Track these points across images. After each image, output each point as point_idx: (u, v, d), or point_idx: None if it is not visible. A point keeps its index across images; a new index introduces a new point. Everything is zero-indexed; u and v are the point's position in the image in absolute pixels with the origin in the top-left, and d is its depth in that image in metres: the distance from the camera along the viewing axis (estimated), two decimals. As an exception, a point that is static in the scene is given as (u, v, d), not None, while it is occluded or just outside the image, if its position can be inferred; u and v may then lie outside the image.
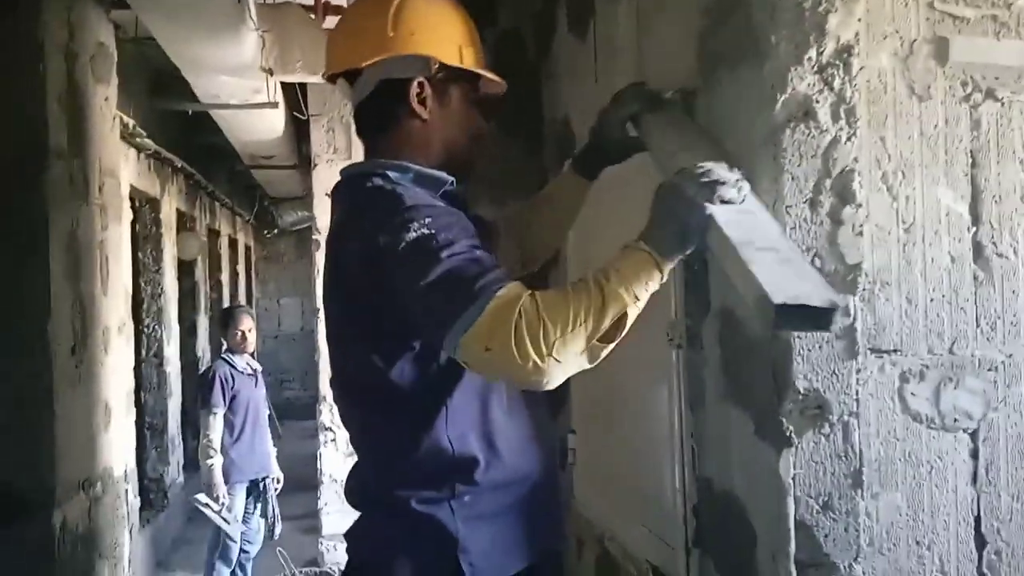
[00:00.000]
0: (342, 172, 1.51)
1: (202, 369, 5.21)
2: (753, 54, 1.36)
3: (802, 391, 1.29)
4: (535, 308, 1.19)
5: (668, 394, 1.67)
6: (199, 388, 5.15)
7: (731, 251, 1.19)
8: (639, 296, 1.23)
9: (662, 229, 1.26)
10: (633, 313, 1.24)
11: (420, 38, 1.42)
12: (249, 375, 5.03)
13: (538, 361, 1.19)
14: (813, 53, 1.30)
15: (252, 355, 5.19)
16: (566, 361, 1.21)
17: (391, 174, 1.40)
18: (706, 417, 1.56)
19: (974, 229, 1.39)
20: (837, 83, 1.31)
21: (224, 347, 5.11)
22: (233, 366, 4.93)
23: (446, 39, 1.44)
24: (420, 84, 1.42)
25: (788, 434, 1.28)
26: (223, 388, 4.81)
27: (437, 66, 1.42)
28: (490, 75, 1.50)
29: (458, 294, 1.22)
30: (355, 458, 1.51)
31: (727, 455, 1.47)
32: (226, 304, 10.05)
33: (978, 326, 1.39)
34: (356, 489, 1.49)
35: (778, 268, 1.17)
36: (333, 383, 1.53)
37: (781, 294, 1.11)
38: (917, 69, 1.38)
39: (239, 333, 4.97)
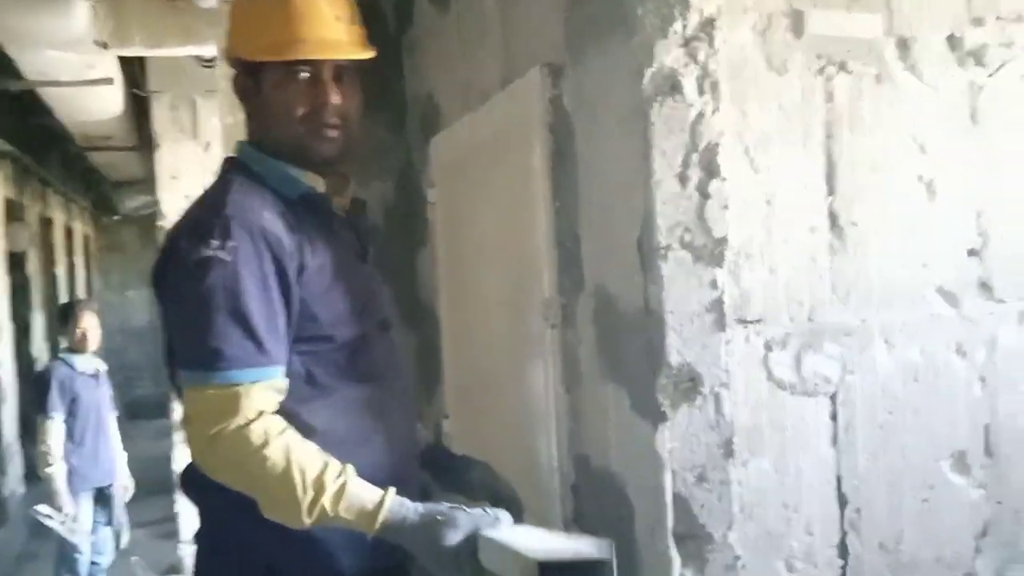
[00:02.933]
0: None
1: (38, 371, 4.81)
2: (620, 28, 1.35)
3: (675, 365, 1.29)
4: (257, 440, 1.22)
5: (543, 373, 1.65)
6: (35, 392, 4.78)
7: (489, 542, 1.20)
8: (325, 518, 1.24)
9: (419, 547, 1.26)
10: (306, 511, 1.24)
11: (230, 34, 1.47)
12: (91, 376, 4.70)
13: (210, 469, 1.26)
14: (679, 27, 1.30)
15: (95, 354, 4.83)
16: (226, 477, 1.26)
17: (252, 165, 1.43)
18: (582, 395, 1.55)
19: (830, 199, 1.44)
20: (702, 56, 1.31)
21: (64, 346, 4.75)
22: (72, 367, 4.58)
23: (238, 31, 1.46)
24: (232, 76, 1.46)
25: (663, 408, 1.29)
26: (61, 391, 4.47)
27: (233, 57, 1.45)
28: (279, 56, 1.40)
29: (202, 351, 1.25)
30: None
31: (604, 432, 1.47)
32: (64, 299, 9.39)
33: (834, 293, 1.44)
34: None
35: (541, 539, 1.21)
36: None
37: (543, 554, 1.12)
38: (775, 42, 1.40)
39: (79, 331, 4.62)
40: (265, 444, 1.21)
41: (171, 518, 6.08)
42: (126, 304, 13.20)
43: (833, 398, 1.43)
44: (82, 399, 4.58)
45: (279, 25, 1.40)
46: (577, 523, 1.60)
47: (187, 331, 1.29)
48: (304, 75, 1.39)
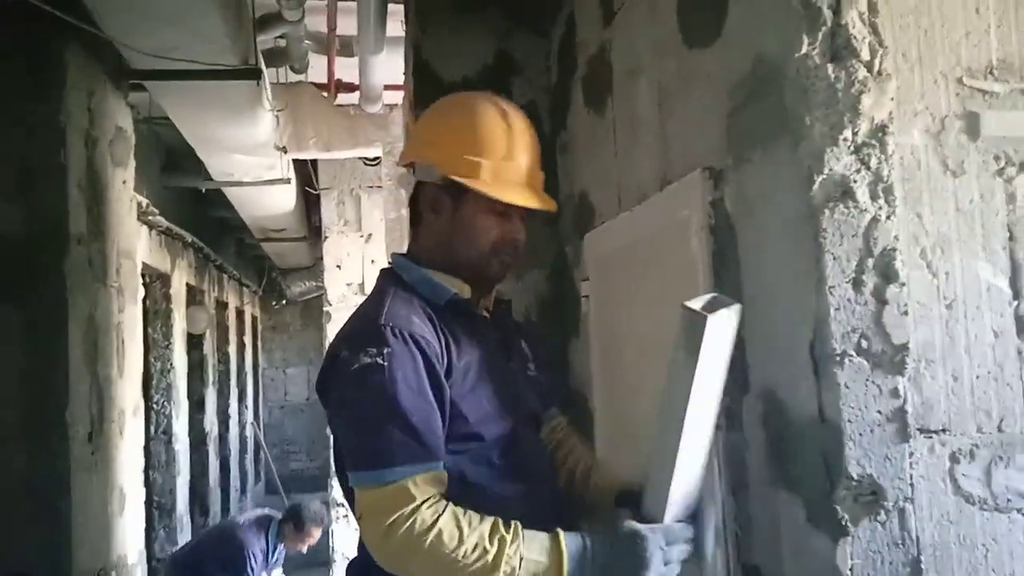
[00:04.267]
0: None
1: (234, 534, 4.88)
2: (787, 134, 1.36)
3: (855, 477, 1.25)
4: (425, 524, 1.28)
5: (709, 478, 1.62)
6: (220, 548, 4.76)
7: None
8: (517, 569, 1.28)
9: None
10: None
11: (430, 147, 1.51)
12: (270, 560, 4.82)
13: (390, 559, 1.31)
14: (848, 133, 1.30)
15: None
16: (411, 568, 1.31)
17: (403, 276, 1.51)
18: (750, 502, 1.52)
19: (1015, 303, 1.37)
20: (874, 162, 1.31)
21: (275, 529, 4.81)
22: (267, 552, 4.71)
23: (458, 151, 1.48)
24: (433, 190, 1.50)
25: (843, 522, 1.24)
26: (251, 565, 4.59)
27: (443, 177, 1.48)
28: (503, 194, 1.48)
29: (368, 454, 1.33)
30: None
31: (776, 542, 1.43)
32: (235, 378, 10.00)
33: (1025, 402, 1.36)
34: None
35: None
36: None
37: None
38: (949, 145, 1.37)
39: (301, 543, 4.79)
40: (436, 519, 1.27)
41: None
42: (286, 381, 13.93)
43: (1028, 515, 1.33)
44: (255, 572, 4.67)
45: (500, 162, 1.49)
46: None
47: (353, 435, 1.37)
48: (503, 211, 1.50)
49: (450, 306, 1.48)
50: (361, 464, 1.34)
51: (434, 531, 1.26)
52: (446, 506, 1.30)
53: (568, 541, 1.30)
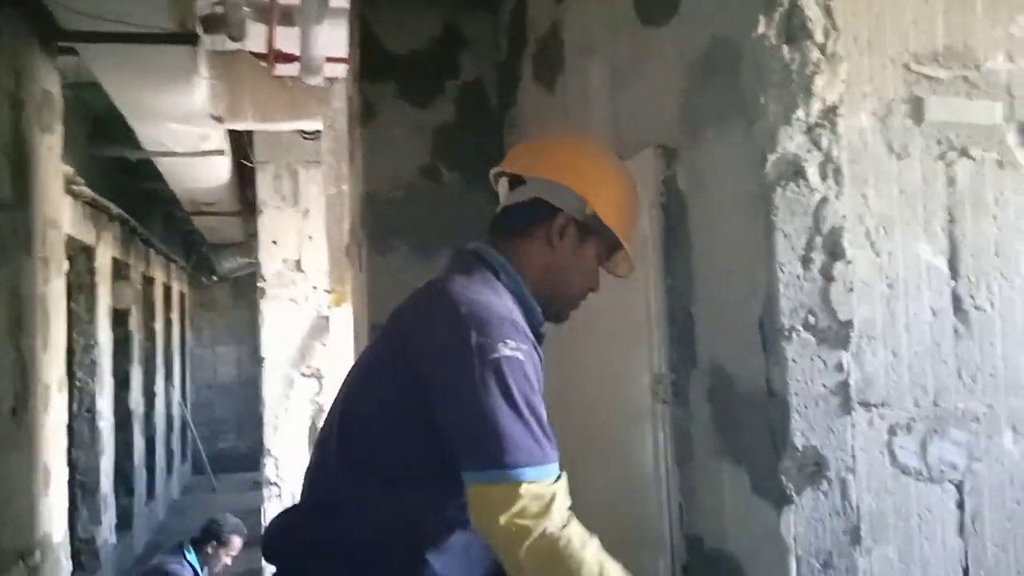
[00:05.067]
0: (469, 244, 1.53)
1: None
2: (741, 113, 1.38)
3: (800, 448, 1.29)
4: (575, 544, 1.24)
5: (653, 449, 1.65)
6: None
7: None
8: None
9: None
10: None
11: (589, 184, 1.48)
12: None
13: (523, 565, 1.24)
14: (801, 113, 1.33)
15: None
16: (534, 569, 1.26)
17: (503, 277, 1.45)
18: (695, 473, 1.55)
19: (953, 283, 1.42)
20: (825, 143, 1.34)
21: (190, 550, 4.76)
22: (193, 572, 4.66)
23: (611, 200, 1.49)
24: (567, 218, 1.47)
25: (788, 492, 1.28)
26: None
27: (591, 213, 1.46)
28: (631, 251, 1.53)
29: (508, 448, 1.25)
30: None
31: (719, 512, 1.46)
32: (161, 357, 9.76)
33: (960, 378, 1.41)
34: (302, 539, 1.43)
35: None
36: (329, 427, 1.48)
37: None
38: (895, 128, 1.41)
39: (226, 557, 4.73)
40: (583, 547, 1.25)
41: (256, 571, 6.16)
42: (215, 360, 13.62)
43: (959, 486, 1.39)
44: None
45: (632, 216, 1.53)
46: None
47: (489, 425, 1.26)
48: (601, 265, 1.52)
49: (531, 331, 1.42)
50: (501, 458, 1.24)
51: (579, 556, 1.24)
52: (589, 535, 1.28)
53: None
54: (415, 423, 1.33)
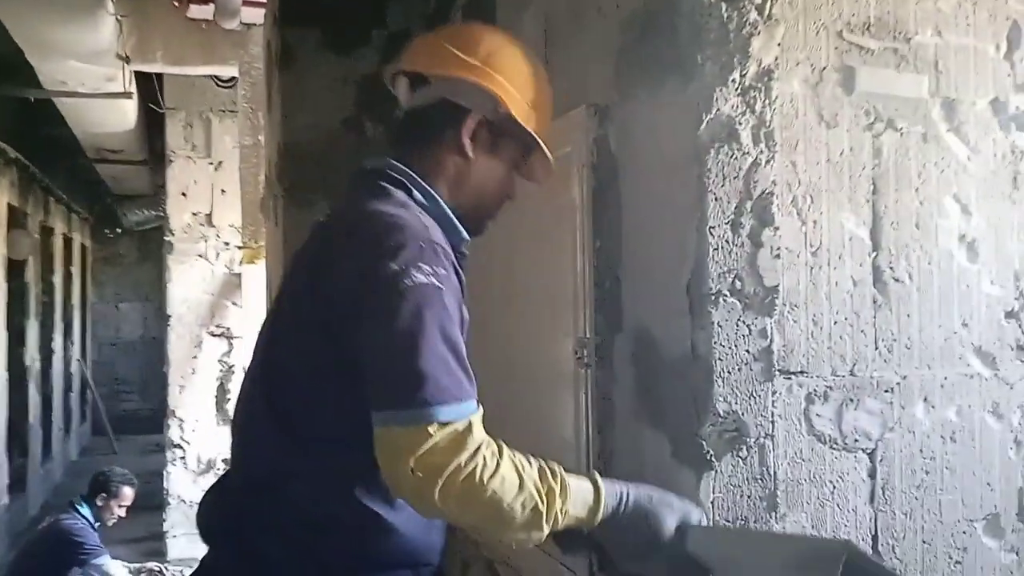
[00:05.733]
0: (365, 162, 1.39)
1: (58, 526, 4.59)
2: (676, 72, 1.35)
3: (721, 413, 1.28)
4: (489, 468, 1.13)
5: (574, 413, 1.63)
6: (59, 549, 4.48)
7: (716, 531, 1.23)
8: (558, 523, 1.20)
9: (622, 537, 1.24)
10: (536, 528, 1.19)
11: (501, 81, 1.35)
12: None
13: (446, 510, 1.14)
14: (737, 75, 1.31)
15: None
16: (458, 523, 1.19)
17: (416, 195, 1.32)
18: (615, 437, 1.54)
19: (874, 254, 1.44)
20: (759, 106, 1.32)
21: (85, 507, 4.58)
22: (94, 527, 4.49)
23: (524, 96, 1.37)
24: (480, 122, 1.35)
25: (708, 457, 1.27)
26: (95, 549, 4.36)
27: (504, 112, 1.34)
28: (548, 154, 1.41)
29: (421, 387, 1.13)
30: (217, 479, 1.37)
31: (640, 477, 1.45)
32: (59, 310, 9.33)
33: (876, 348, 1.43)
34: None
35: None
36: (250, 389, 1.37)
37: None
38: (825, 96, 1.41)
39: (118, 513, 4.54)
40: (498, 465, 1.14)
41: (157, 536, 6.00)
42: (119, 317, 13.11)
43: (872, 455, 1.42)
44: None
45: (548, 113, 1.42)
46: (603, 570, 1.57)
47: (403, 361, 1.14)
48: (517, 171, 1.40)
49: (454, 253, 1.31)
50: (410, 400, 1.12)
51: (496, 479, 1.13)
52: (502, 448, 1.17)
53: (608, 500, 1.22)
54: (342, 376, 1.20)
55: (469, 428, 1.14)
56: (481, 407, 1.19)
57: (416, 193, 1.32)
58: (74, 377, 10.84)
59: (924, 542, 1.43)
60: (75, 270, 10.81)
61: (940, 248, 1.46)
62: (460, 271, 1.28)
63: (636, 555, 1.24)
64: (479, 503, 1.14)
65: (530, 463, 1.19)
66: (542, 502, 1.16)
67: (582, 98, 1.64)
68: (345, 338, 1.20)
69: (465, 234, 1.37)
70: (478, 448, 1.14)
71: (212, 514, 1.36)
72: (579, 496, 1.21)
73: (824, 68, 1.40)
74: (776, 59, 1.34)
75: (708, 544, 1.23)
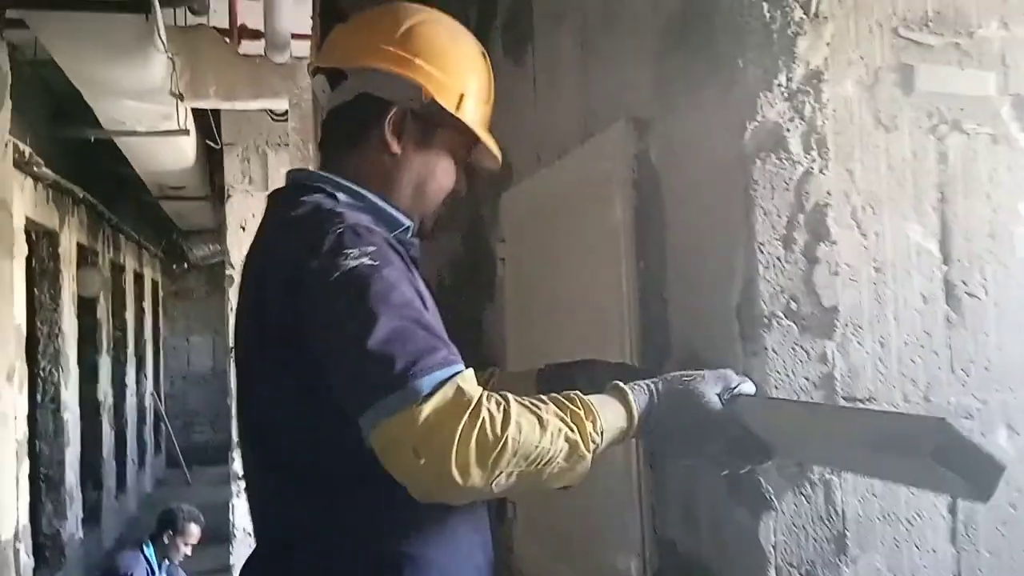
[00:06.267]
0: (286, 176, 1.31)
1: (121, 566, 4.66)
2: (717, 79, 1.26)
3: (780, 448, 1.17)
4: (497, 419, 0.99)
5: (625, 446, 1.53)
6: None
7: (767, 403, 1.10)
8: (599, 445, 1.08)
9: (664, 425, 1.13)
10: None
11: (421, 65, 1.23)
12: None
13: (474, 482, 0.98)
14: (783, 78, 1.21)
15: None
16: (496, 491, 1.02)
17: (340, 196, 1.21)
18: (667, 472, 1.43)
19: (945, 268, 1.32)
20: (808, 111, 1.22)
21: (152, 544, 4.67)
22: (152, 572, 4.57)
23: (451, 80, 1.25)
24: (402, 112, 1.24)
25: (767, 496, 1.16)
26: None
27: (428, 101, 1.23)
28: (488, 140, 1.30)
29: (392, 367, 1.00)
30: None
31: (694, 516, 1.35)
32: (131, 348, 9.57)
33: (952, 371, 1.31)
34: None
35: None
36: (241, 433, 1.30)
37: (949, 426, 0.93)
38: (882, 98, 1.30)
39: (185, 550, 4.61)
40: (507, 411, 1.00)
41: (224, 569, 6.03)
42: (189, 350, 13.42)
43: (951, 488, 1.29)
44: None
45: (481, 104, 1.29)
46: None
47: (361, 356, 1.02)
48: (461, 159, 1.30)
49: (397, 239, 1.21)
50: (386, 386, 1.00)
51: (512, 426, 0.99)
52: (506, 395, 1.03)
53: (637, 397, 1.11)
54: (328, 408, 1.08)
55: (460, 390, 1.01)
56: (468, 370, 1.06)
57: (341, 195, 1.22)
58: (147, 410, 11.10)
59: (1015, 583, 1.29)
60: (147, 305, 11.11)
61: (1017, 258, 1.33)
62: (402, 252, 1.15)
63: (691, 445, 1.12)
64: (504, 459, 0.99)
65: (543, 400, 1.06)
66: (572, 430, 1.03)
67: (622, 112, 1.55)
68: (309, 364, 1.09)
69: (404, 220, 1.25)
70: (477, 404, 1.00)
71: None
72: (607, 409, 1.08)
73: (879, 68, 1.29)
74: (826, 60, 1.24)
75: (765, 418, 1.09)
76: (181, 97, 4.03)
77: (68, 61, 3.38)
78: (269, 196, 1.33)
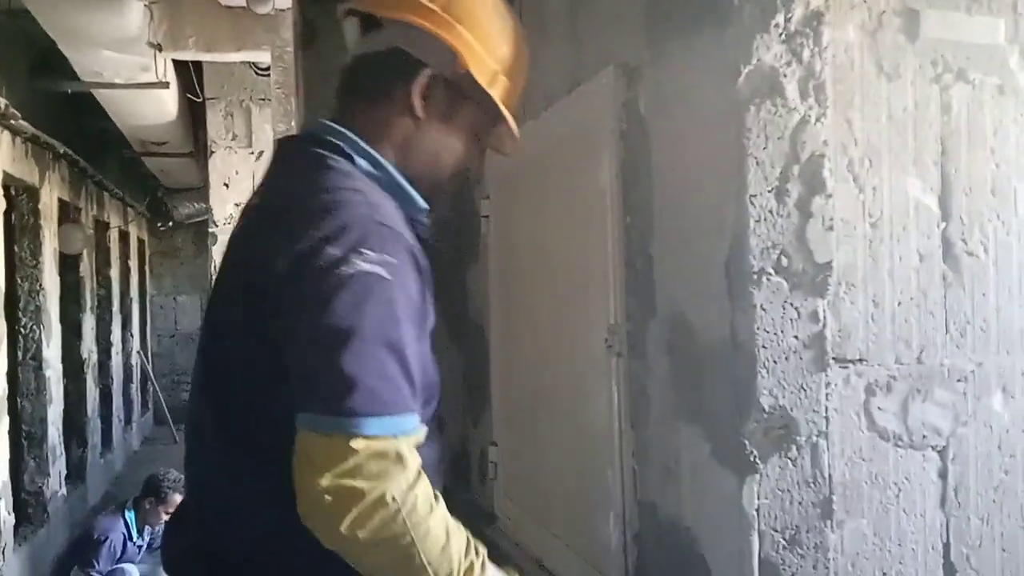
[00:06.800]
0: (301, 128, 1.22)
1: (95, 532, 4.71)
2: (711, 20, 1.19)
3: (767, 408, 1.12)
4: (418, 511, 0.97)
5: (606, 406, 1.49)
6: (80, 544, 4.73)
7: None
8: None
9: None
10: None
11: (461, 32, 1.16)
12: (139, 545, 4.68)
13: (351, 544, 0.96)
14: (780, 19, 1.14)
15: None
16: (358, 561, 0.99)
17: (358, 160, 1.14)
18: (650, 433, 1.38)
19: (943, 224, 1.26)
20: (806, 55, 1.15)
21: (132, 508, 4.64)
22: (130, 537, 4.57)
23: (489, 54, 1.18)
24: (433, 78, 1.16)
25: (752, 458, 1.11)
26: (109, 555, 4.48)
27: (463, 71, 1.16)
28: (511, 122, 1.22)
29: (349, 392, 0.96)
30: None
31: (676, 478, 1.30)
32: (117, 305, 9.48)
33: (947, 332, 1.26)
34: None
35: None
36: (196, 400, 1.20)
37: None
38: (885, 44, 1.23)
39: (166, 515, 4.56)
40: (430, 512, 0.98)
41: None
42: (177, 309, 13.33)
43: (942, 453, 1.25)
44: (123, 561, 4.57)
45: (519, 76, 1.22)
46: (639, 578, 1.43)
47: (330, 360, 0.98)
48: (479, 139, 1.23)
49: (410, 224, 1.15)
50: (335, 405, 0.96)
51: (422, 528, 0.97)
52: (438, 496, 1.01)
53: None
54: (283, 377, 1.02)
55: (398, 453, 0.97)
56: (422, 428, 1.02)
57: (360, 160, 1.14)
58: (134, 369, 11.02)
59: (1003, 550, 1.26)
60: (133, 264, 10.97)
61: (1020, 217, 1.28)
62: (420, 256, 1.10)
63: None
64: (392, 548, 0.97)
65: (459, 529, 1.03)
66: (459, 570, 1.00)
67: (611, 59, 1.48)
68: (279, 332, 1.03)
69: (423, 203, 1.19)
70: (413, 483, 0.97)
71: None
72: None
73: (883, 12, 1.23)
74: (826, 1, 1.17)
75: None
76: (159, 47, 3.91)
77: (41, 8, 3.27)
78: (278, 143, 1.26)
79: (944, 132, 1.26)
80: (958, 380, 1.25)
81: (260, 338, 1.06)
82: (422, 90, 1.16)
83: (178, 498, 4.63)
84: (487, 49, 1.17)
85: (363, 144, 1.15)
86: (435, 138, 1.18)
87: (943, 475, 1.24)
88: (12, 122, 4.96)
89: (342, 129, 1.15)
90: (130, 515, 4.55)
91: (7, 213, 5.33)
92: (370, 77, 1.19)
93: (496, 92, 1.18)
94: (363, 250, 1.00)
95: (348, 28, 1.24)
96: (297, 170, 1.13)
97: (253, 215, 1.16)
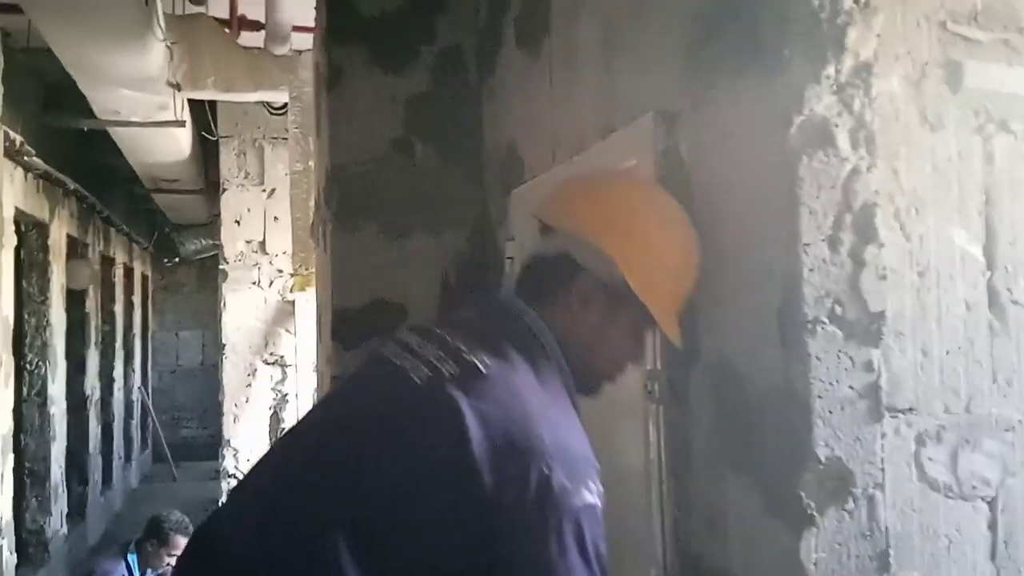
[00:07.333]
0: (498, 296, 1.35)
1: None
2: (761, 69, 1.20)
3: (823, 459, 1.11)
4: None
5: (644, 455, 1.47)
6: None
7: None
8: None
9: None
10: None
11: (620, 239, 1.25)
12: None
13: None
14: (831, 70, 1.15)
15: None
16: None
17: (549, 352, 1.25)
18: (693, 484, 1.37)
19: (989, 274, 1.26)
20: (857, 105, 1.16)
21: (134, 551, 4.54)
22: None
23: (649, 262, 1.26)
24: (593, 283, 1.26)
25: (809, 511, 1.10)
26: None
27: (619, 280, 1.23)
28: (667, 326, 1.29)
29: None
30: None
31: (722, 529, 1.28)
32: (120, 340, 9.45)
33: (995, 381, 1.25)
34: None
35: None
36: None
37: None
38: (929, 95, 1.24)
39: (169, 557, 4.42)
40: None
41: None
42: (179, 344, 13.28)
43: (992, 504, 1.23)
44: None
45: (681, 282, 1.31)
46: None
47: None
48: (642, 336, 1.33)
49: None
50: None
51: None
52: None
53: None
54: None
55: None
56: None
57: (549, 352, 1.25)
58: (135, 405, 10.96)
59: (1058, 605, 1.23)
60: (136, 299, 10.97)
61: (1064, 266, 1.28)
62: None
63: None
64: None
65: None
66: None
67: (648, 105, 1.49)
68: (484, 545, 1.09)
69: (577, 402, 1.29)
70: None
71: None
72: None
73: (926, 63, 1.23)
74: (875, 52, 1.18)
75: None
76: (179, 87, 3.95)
77: (63, 47, 3.29)
78: (490, 307, 1.35)
79: (987, 182, 1.26)
80: (1006, 430, 1.24)
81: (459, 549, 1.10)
82: (581, 295, 1.25)
83: (181, 540, 4.53)
84: (653, 260, 1.25)
85: (549, 335, 1.25)
86: (592, 341, 1.27)
87: (992, 527, 1.22)
88: (25, 158, 4.99)
89: (537, 319, 1.26)
90: (132, 557, 4.46)
91: (17, 249, 5.33)
92: (540, 278, 1.30)
93: (652, 299, 1.25)
94: (589, 482, 1.11)
95: (532, 229, 1.39)
96: (516, 356, 1.21)
97: (453, 386, 1.17)
